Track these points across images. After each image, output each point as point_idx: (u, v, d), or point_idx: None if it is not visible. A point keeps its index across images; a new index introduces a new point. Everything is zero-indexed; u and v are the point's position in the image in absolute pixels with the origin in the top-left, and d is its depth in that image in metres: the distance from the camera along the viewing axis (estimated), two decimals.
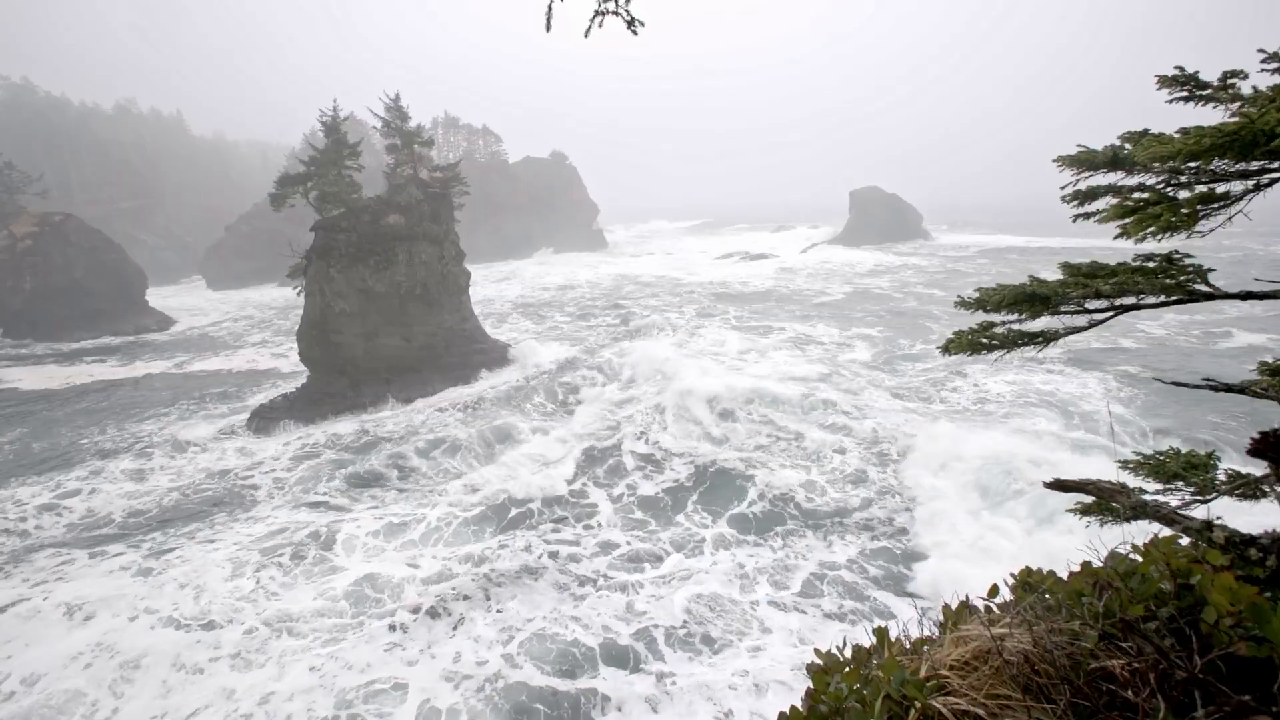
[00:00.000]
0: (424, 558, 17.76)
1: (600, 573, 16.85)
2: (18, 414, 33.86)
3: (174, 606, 15.63)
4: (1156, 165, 3.22)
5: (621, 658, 13.62)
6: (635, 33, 2.74)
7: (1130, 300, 3.38)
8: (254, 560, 17.49)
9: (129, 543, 19.55)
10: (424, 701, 12.53)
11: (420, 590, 16.11)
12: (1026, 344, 3.72)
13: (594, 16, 2.68)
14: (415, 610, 15.24)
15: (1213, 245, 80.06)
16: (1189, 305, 3.33)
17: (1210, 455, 3.69)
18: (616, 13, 2.69)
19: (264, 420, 29.45)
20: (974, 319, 3.93)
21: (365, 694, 12.80)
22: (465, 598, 15.74)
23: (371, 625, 14.84)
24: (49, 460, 26.84)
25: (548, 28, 2.71)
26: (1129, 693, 1.56)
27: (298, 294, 33.56)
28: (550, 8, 2.70)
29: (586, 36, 2.74)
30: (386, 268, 32.44)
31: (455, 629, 14.71)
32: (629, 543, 18.28)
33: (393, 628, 14.70)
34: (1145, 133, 3.50)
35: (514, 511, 20.26)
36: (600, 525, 19.44)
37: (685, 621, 14.59)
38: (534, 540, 18.50)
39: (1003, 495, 18.44)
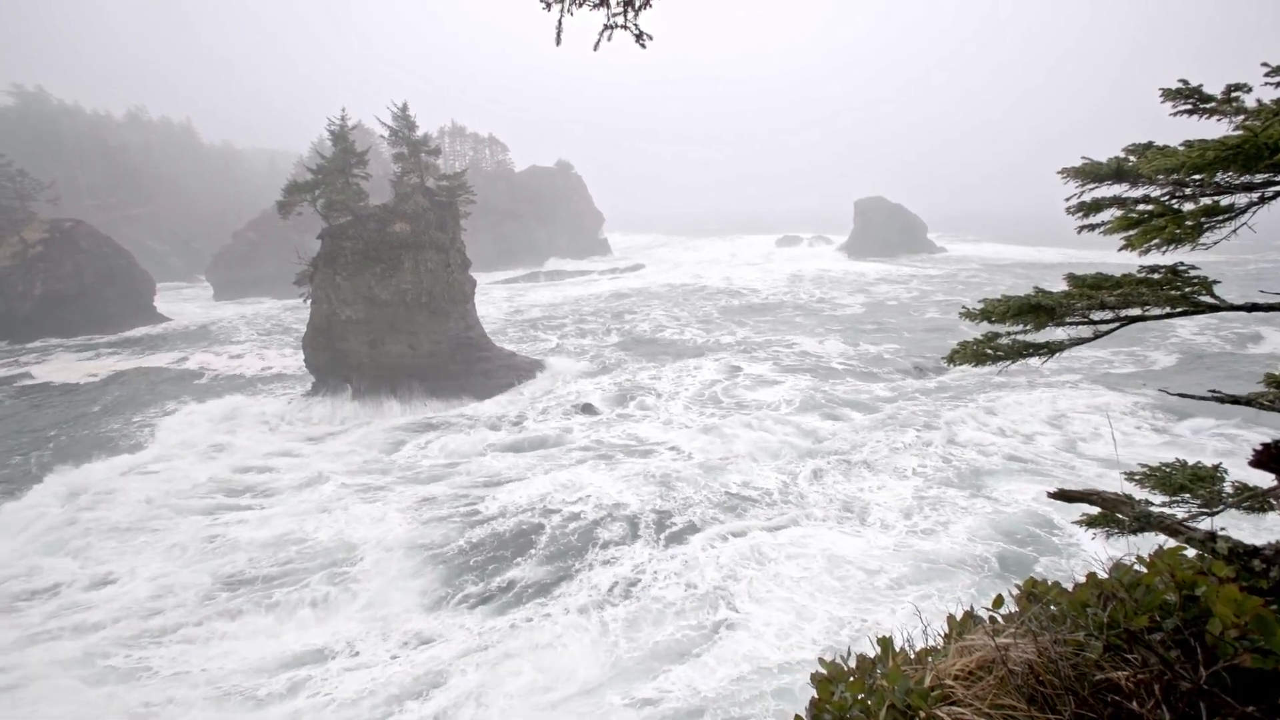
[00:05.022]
0: None
1: None
2: (62, 406, 35.58)
3: None
4: (1161, 177, 3.23)
5: None
6: (644, 46, 2.78)
7: (1135, 312, 3.38)
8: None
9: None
10: None
11: None
12: (1031, 354, 3.71)
13: (603, 30, 2.72)
14: None
15: (1229, 258, 79.69)
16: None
17: (1217, 467, 3.67)
18: (625, 27, 2.73)
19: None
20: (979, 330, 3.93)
21: None
22: None
23: None
24: (109, 445, 28.71)
25: (558, 41, 2.75)
26: (1134, 704, 1.56)
27: (304, 301, 33.75)
28: (560, 22, 2.74)
29: (595, 50, 2.78)
30: (392, 275, 32.61)
31: None
32: None
33: None
34: (1149, 145, 3.52)
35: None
36: None
37: None
38: None
39: None
